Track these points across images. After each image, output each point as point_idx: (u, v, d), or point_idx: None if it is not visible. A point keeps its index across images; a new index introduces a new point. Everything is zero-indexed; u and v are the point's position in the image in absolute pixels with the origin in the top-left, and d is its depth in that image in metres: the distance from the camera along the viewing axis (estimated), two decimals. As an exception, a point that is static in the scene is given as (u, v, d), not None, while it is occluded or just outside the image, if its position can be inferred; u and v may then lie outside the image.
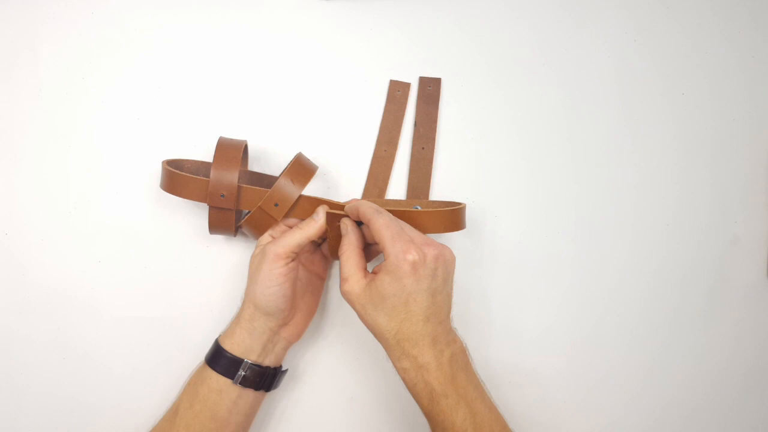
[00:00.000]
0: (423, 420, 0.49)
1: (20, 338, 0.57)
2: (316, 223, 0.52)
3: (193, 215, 0.59)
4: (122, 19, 0.60)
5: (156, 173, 0.59)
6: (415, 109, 0.61)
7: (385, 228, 0.48)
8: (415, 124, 0.61)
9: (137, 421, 0.57)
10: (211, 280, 0.59)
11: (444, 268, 0.49)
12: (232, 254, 0.59)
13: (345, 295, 0.49)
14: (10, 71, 0.59)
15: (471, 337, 0.60)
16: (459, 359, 0.49)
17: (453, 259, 0.50)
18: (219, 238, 0.59)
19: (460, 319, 0.60)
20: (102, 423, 0.58)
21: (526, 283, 0.62)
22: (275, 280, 0.51)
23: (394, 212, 0.51)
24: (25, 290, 0.58)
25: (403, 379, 0.48)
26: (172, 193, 0.53)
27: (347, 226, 0.52)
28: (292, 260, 0.52)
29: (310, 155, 0.57)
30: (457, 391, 0.47)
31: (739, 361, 0.63)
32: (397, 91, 0.61)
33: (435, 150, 0.61)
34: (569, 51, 0.64)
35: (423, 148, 0.61)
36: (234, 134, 0.59)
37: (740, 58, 0.65)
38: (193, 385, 0.52)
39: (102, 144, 0.59)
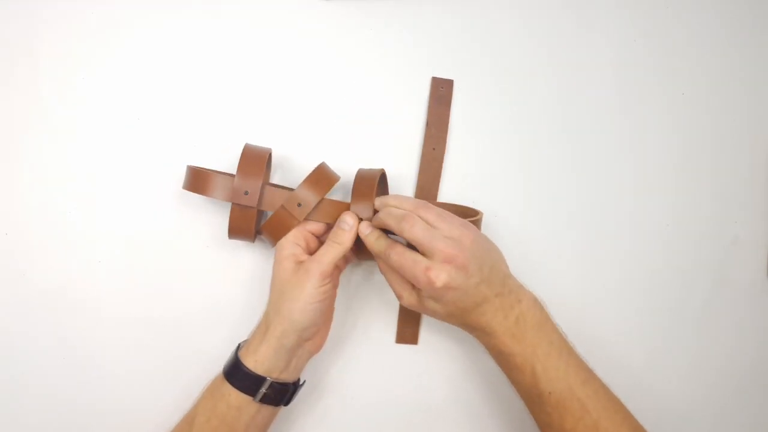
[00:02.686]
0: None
1: (20, 338, 0.57)
2: (351, 230, 0.52)
3: (194, 216, 0.59)
4: (122, 19, 0.60)
5: (156, 173, 0.59)
6: (427, 109, 0.62)
7: (403, 265, 0.49)
8: (427, 125, 0.61)
9: (138, 423, 0.57)
10: (212, 280, 0.59)
11: (473, 259, 0.49)
12: (233, 253, 0.59)
13: (408, 307, 0.53)
14: (10, 71, 0.59)
15: (472, 336, 0.60)
16: (528, 317, 0.51)
17: (474, 242, 0.50)
18: (220, 239, 0.59)
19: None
20: (102, 424, 0.58)
21: (526, 283, 0.61)
22: (319, 297, 0.50)
23: None
24: (25, 290, 0.57)
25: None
26: (196, 192, 0.53)
27: (372, 243, 0.52)
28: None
29: (339, 159, 0.57)
30: (525, 349, 0.50)
31: (738, 361, 0.63)
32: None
33: (446, 151, 0.61)
34: (570, 53, 0.64)
35: (434, 149, 0.61)
36: (238, 137, 0.59)
37: (740, 58, 0.65)
38: (210, 399, 0.51)
39: (102, 144, 0.59)
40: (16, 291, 0.57)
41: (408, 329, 0.60)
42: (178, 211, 0.59)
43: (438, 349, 0.61)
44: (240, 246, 0.59)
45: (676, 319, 0.63)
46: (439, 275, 0.47)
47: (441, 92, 0.61)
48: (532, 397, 0.51)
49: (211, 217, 0.59)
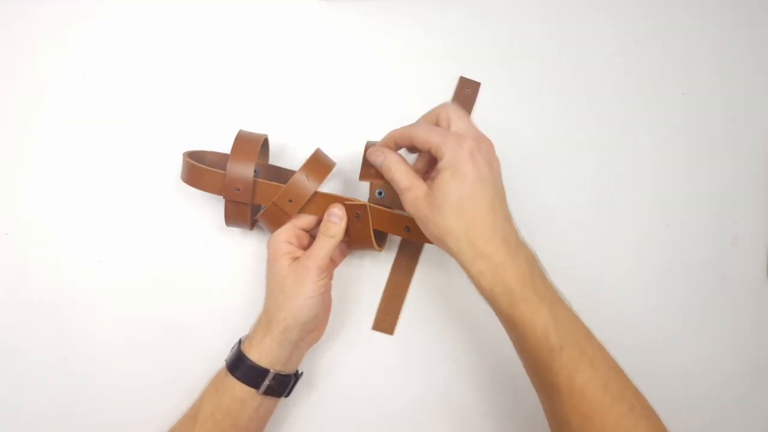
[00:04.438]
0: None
1: (20, 338, 0.57)
2: (341, 222, 0.52)
3: (193, 214, 0.59)
4: (122, 19, 0.60)
5: (156, 173, 0.59)
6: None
7: (430, 130, 0.47)
8: None
9: (138, 423, 0.57)
10: (212, 280, 0.59)
11: (494, 156, 0.48)
12: (235, 253, 0.59)
13: (412, 204, 0.47)
14: (10, 71, 0.59)
15: (475, 336, 0.60)
16: (533, 262, 0.47)
17: (494, 149, 0.49)
18: (220, 238, 0.59)
19: (465, 318, 0.60)
20: (102, 424, 0.58)
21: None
22: (319, 290, 0.51)
23: None
24: (25, 290, 0.57)
25: (479, 286, 0.46)
26: (191, 185, 0.53)
27: (381, 155, 0.50)
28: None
29: (336, 150, 0.57)
30: (536, 294, 0.45)
31: (738, 361, 0.63)
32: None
33: None
34: (570, 53, 0.64)
35: None
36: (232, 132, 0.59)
37: (740, 58, 0.65)
38: (214, 392, 0.51)
39: (102, 144, 0.59)
40: (16, 291, 0.57)
41: (386, 318, 0.60)
42: (178, 211, 0.59)
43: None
44: (240, 245, 0.59)
45: (676, 318, 0.63)
46: (468, 140, 0.46)
47: (466, 93, 0.61)
48: (542, 354, 0.46)
49: (211, 213, 0.59)
